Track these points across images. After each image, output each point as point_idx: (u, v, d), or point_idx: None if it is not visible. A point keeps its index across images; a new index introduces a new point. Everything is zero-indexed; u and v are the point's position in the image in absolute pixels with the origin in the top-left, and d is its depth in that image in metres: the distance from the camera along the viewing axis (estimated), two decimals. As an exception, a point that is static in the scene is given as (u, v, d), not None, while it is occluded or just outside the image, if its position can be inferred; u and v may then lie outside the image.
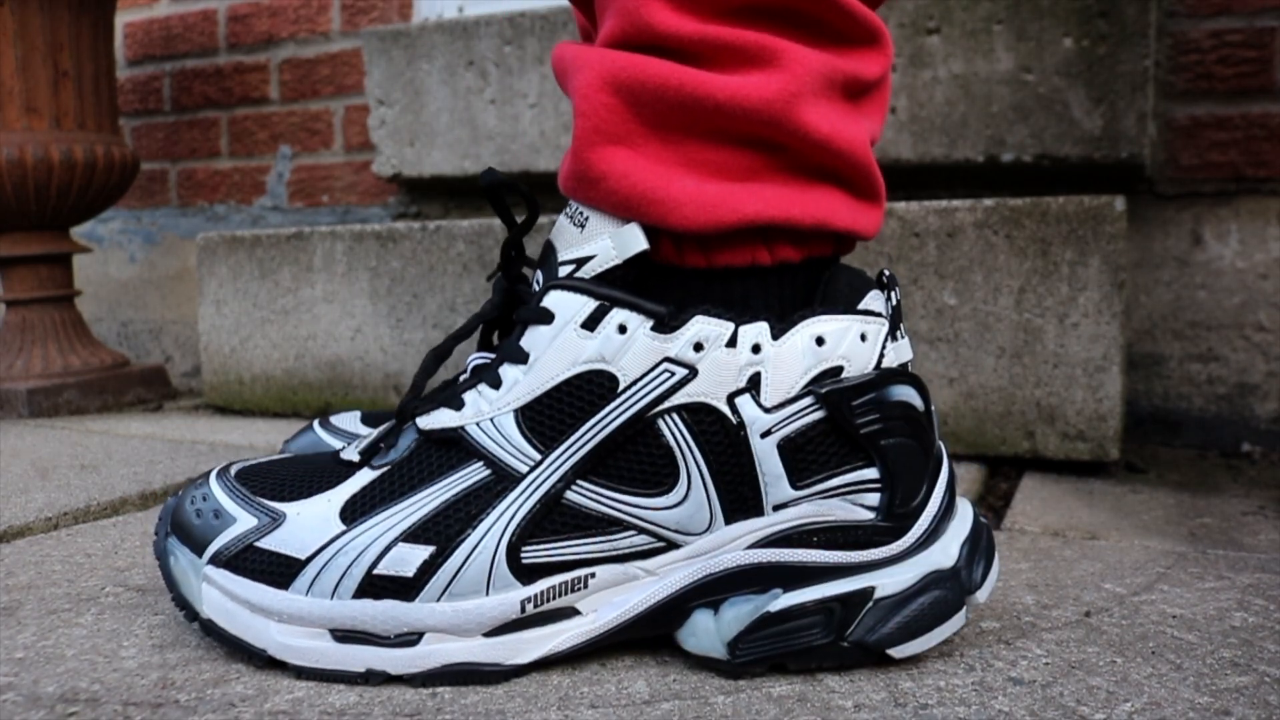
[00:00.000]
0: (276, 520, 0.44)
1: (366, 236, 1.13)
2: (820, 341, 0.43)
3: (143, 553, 0.64)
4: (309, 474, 0.46)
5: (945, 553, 0.45)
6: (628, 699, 0.42)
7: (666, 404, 0.43)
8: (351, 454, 0.47)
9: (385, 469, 0.45)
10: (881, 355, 0.44)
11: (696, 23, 0.42)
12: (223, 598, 0.44)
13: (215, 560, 0.44)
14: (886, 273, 0.47)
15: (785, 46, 0.42)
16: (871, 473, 0.44)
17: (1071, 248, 0.85)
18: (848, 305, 0.45)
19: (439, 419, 0.45)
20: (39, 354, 1.32)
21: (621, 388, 0.43)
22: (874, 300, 0.45)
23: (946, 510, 0.46)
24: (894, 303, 0.46)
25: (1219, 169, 1.03)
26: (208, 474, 0.48)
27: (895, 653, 0.44)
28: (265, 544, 0.44)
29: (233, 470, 0.48)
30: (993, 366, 0.87)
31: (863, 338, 0.44)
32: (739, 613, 0.43)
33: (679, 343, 0.42)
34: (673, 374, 0.42)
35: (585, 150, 0.44)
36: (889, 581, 0.44)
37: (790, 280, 0.46)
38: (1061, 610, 0.52)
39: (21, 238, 1.32)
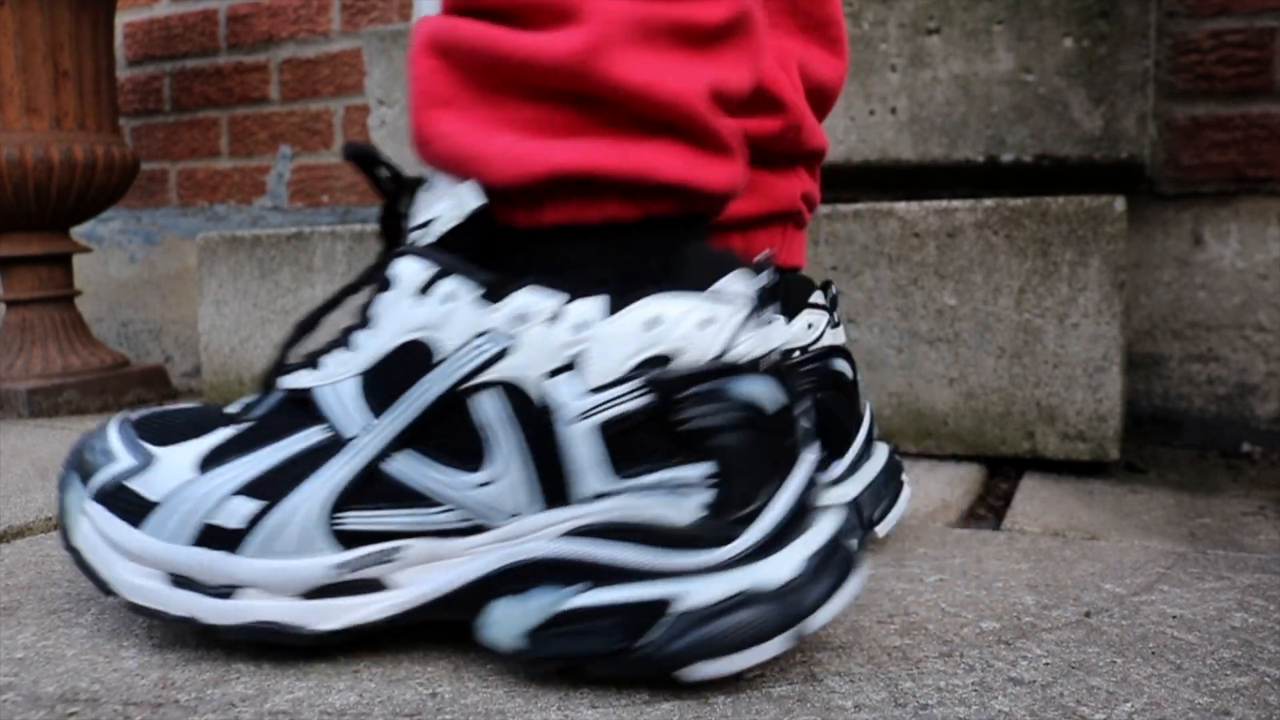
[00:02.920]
0: (148, 462, 0.45)
1: (367, 237, 1.13)
2: (654, 323, 0.40)
3: (143, 553, 0.64)
4: (192, 423, 0.48)
5: (777, 569, 0.41)
6: (628, 699, 0.42)
7: (480, 378, 0.41)
8: (232, 408, 0.48)
9: (250, 423, 0.46)
10: (729, 344, 0.41)
11: None
12: (91, 529, 0.46)
13: (96, 495, 0.46)
14: (765, 253, 0.44)
15: (585, 0, 0.41)
16: (700, 470, 0.41)
17: (1071, 248, 0.85)
18: (698, 285, 0.42)
19: (298, 379, 0.46)
20: (39, 354, 1.32)
21: (440, 358, 0.42)
22: (734, 282, 0.42)
23: (795, 521, 0.42)
24: (763, 286, 0.43)
25: (1219, 169, 1.03)
26: (113, 419, 0.50)
27: (684, 674, 0.40)
28: (132, 483, 0.45)
29: (134, 416, 0.50)
30: (993, 366, 0.87)
31: (706, 323, 0.41)
32: (540, 604, 0.41)
33: (500, 314, 0.41)
34: (489, 347, 0.41)
35: (417, 114, 0.44)
36: (695, 594, 0.40)
37: (632, 242, 0.44)
38: (1061, 610, 0.52)
39: (21, 238, 1.32)
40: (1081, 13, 0.98)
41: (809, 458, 0.44)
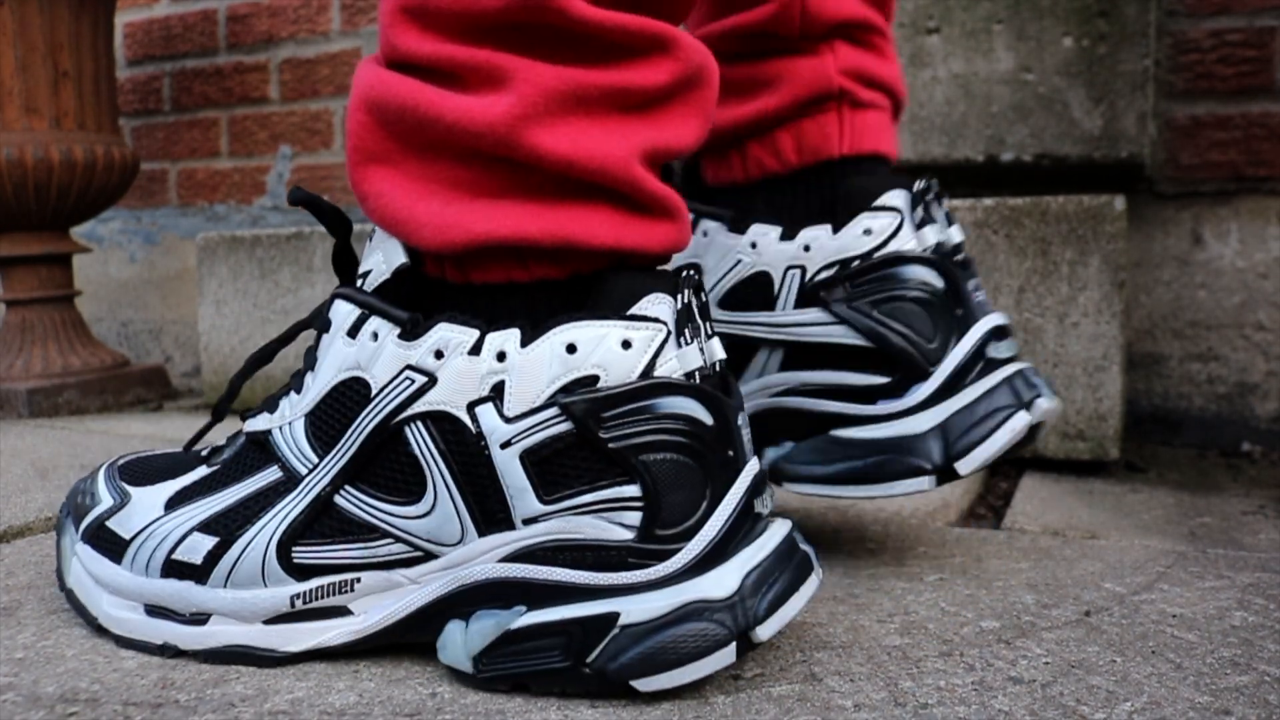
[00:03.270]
0: (124, 501, 0.49)
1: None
2: (571, 349, 0.41)
3: (143, 553, 0.64)
4: (169, 466, 0.50)
5: (720, 582, 0.41)
6: (628, 698, 0.42)
7: (409, 412, 0.43)
8: (205, 451, 0.51)
9: (217, 467, 0.48)
10: (652, 364, 0.42)
11: (435, 43, 0.42)
12: (81, 569, 0.49)
13: (83, 535, 0.49)
14: (688, 272, 0.44)
15: (517, 65, 0.41)
16: (631, 490, 0.41)
17: (1071, 247, 0.85)
18: (617, 310, 0.42)
19: (257, 422, 0.48)
20: (39, 354, 1.32)
21: (372, 394, 0.43)
22: (652, 304, 0.43)
23: (734, 534, 0.42)
24: (682, 305, 0.43)
25: (1219, 168, 1.03)
26: (103, 463, 0.53)
27: (640, 685, 0.41)
28: (110, 523, 0.48)
29: (120, 460, 0.53)
30: (993, 366, 0.87)
31: (626, 345, 0.41)
32: (483, 627, 0.43)
33: (420, 350, 0.42)
34: (413, 381, 0.42)
35: (351, 169, 0.45)
36: (637, 609, 0.41)
37: (557, 293, 0.44)
38: (1061, 610, 0.52)
39: (21, 238, 1.32)
40: (1081, 12, 0.98)
41: (752, 467, 0.44)
